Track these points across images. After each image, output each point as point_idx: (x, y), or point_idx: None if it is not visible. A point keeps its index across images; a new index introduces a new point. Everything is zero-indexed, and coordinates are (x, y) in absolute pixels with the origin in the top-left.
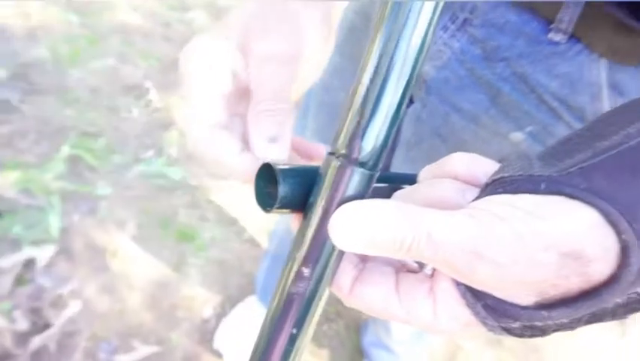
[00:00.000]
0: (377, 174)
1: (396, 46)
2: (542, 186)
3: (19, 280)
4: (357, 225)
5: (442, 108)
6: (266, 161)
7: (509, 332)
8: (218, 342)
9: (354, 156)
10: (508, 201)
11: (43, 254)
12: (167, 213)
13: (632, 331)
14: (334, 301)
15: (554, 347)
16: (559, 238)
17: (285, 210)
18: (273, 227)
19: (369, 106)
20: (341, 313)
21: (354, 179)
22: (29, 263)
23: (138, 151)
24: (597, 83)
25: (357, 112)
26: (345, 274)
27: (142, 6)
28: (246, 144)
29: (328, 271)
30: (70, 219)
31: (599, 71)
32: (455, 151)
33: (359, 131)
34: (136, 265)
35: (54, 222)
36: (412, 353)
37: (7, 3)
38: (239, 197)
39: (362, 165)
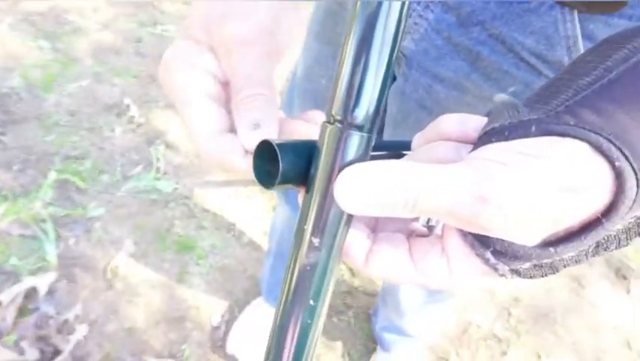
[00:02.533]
0: (374, 137)
1: (378, 9)
2: (533, 128)
3: (23, 311)
4: (362, 186)
5: (424, 80)
6: (260, 141)
7: (520, 274)
8: (231, 346)
9: (350, 120)
10: (502, 147)
11: (44, 282)
12: (163, 227)
13: (636, 287)
14: (341, 293)
15: (562, 310)
16: (555, 174)
17: (286, 186)
18: (271, 222)
19: (359, 69)
20: (349, 305)
21: (353, 142)
22: (31, 293)
23: (126, 168)
24: (573, 36)
25: (348, 77)
26: (359, 246)
27: (112, 23)
28: None
29: (338, 238)
30: (66, 243)
31: (573, 23)
32: None
33: (352, 95)
34: (138, 281)
35: (50, 249)
36: (423, 331)
37: None
38: (234, 202)
39: (358, 128)
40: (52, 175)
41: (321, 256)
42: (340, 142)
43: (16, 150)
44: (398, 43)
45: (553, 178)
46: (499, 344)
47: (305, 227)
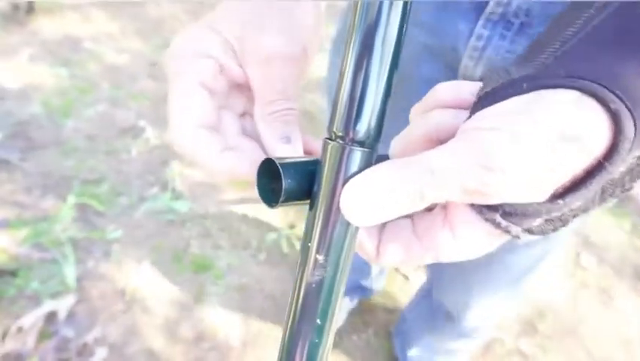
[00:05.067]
0: (376, 152)
1: (377, 22)
2: (524, 86)
3: (43, 335)
4: (366, 195)
5: None
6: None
7: (533, 232)
8: None
9: (351, 136)
10: (495, 111)
11: (63, 305)
12: (180, 247)
13: None
14: (361, 311)
15: (591, 323)
16: (551, 126)
17: (290, 203)
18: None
19: (359, 86)
20: (369, 322)
21: (354, 158)
22: (51, 316)
23: (142, 190)
24: None
25: (348, 93)
26: (370, 241)
27: (126, 48)
28: (234, 138)
29: (344, 254)
30: (85, 266)
31: None
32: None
33: (353, 111)
34: (156, 302)
35: (69, 273)
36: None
37: None
38: (250, 220)
39: (360, 143)
40: (71, 199)
41: (327, 273)
42: (342, 158)
43: (36, 176)
44: (398, 59)
45: (550, 130)
46: None
47: (309, 244)
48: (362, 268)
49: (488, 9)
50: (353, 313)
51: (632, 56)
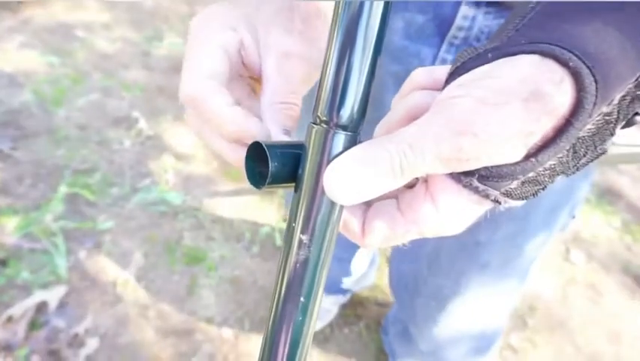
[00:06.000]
0: (359, 136)
1: (360, 8)
2: (489, 56)
3: (34, 325)
4: (348, 174)
5: None
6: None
7: (511, 196)
8: None
9: (335, 120)
10: (462, 80)
11: (54, 296)
12: (173, 238)
13: None
14: (352, 304)
15: (580, 319)
16: (513, 87)
17: (277, 186)
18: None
19: (343, 71)
20: (360, 315)
21: (338, 142)
22: (41, 306)
23: (135, 181)
24: None
25: (332, 78)
26: (354, 220)
27: (119, 38)
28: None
29: (328, 234)
30: (76, 257)
31: None
32: None
33: (336, 96)
34: (148, 293)
35: (60, 263)
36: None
37: None
38: (243, 212)
39: (343, 128)
40: (63, 189)
41: (311, 252)
42: (326, 142)
43: (27, 165)
44: (381, 44)
45: (514, 92)
46: (515, 355)
47: (294, 225)
48: (343, 265)
49: (450, 33)
50: (345, 307)
51: (589, 20)
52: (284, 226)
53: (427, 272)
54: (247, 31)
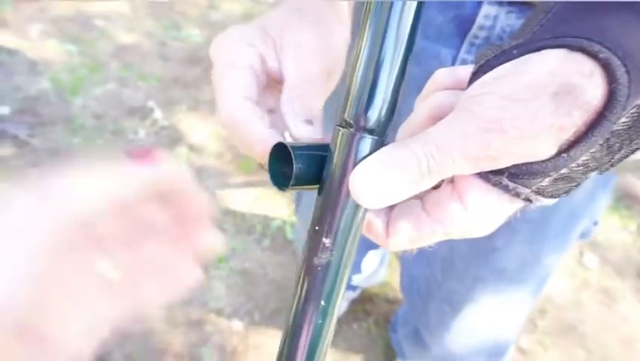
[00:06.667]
0: (385, 140)
1: (390, 10)
2: (514, 52)
3: None
4: (375, 177)
5: None
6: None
7: (543, 194)
8: None
9: (362, 124)
10: (486, 78)
11: None
12: None
13: None
14: (362, 300)
15: (592, 323)
16: (541, 81)
17: (300, 187)
18: (296, 221)
19: (371, 74)
20: (369, 311)
21: (364, 146)
22: None
23: None
24: None
25: (361, 81)
26: (378, 221)
27: (137, 28)
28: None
29: (350, 239)
30: None
31: None
32: None
33: (364, 100)
34: None
35: None
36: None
37: (5, 39)
38: (254, 204)
39: (370, 132)
40: None
41: (333, 256)
42: (352, 146)
43: (43, 152)
44: (413, 44)
45: (542, 86)
46: (524, 357)
47: (317, 228)
48: (354, 263)
49: (471, 33)
50: (354, 302)
51: (617, 11)
52: (295, 219)
53: (442, 277)
54: (263, 43)
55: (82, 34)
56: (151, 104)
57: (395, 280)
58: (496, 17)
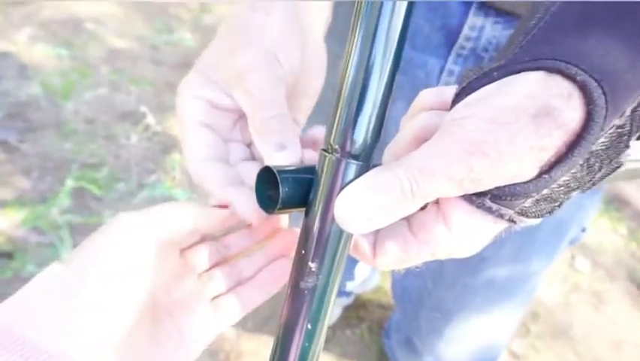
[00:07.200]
0: (371, 165)
1: (374, 37)
2: (495, 74)
3: None
4: (360, 202)
5: None
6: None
7: (526, 214)
8: None
9: (347, 149)
10: (468, 100)
11: None
12: None
13: None
14: (355, 306)
15: (582, 326)
16: (521, 104)
17: (287, 211)
18: None
19: (356, 100)
20: (362, 317)
21: (349, 171)
22: None
23: (141, 177)
24: None
25: (346, 107)
26: (365, 241)
27: (129, 31)
28: (241, 165)
29: (336, 263)
30: None
31: None
32: None
33: (349, 126)
34: None
35: (66, 257)
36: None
37: None
38: None
39: (355, 157)
40: (70, 183)
41: (319, 280)
42: (338, 171)
43: (34, 158)
44: (395, 74)
45: (522, 109)
46: None
47: (303, 252)
48: (347, 270)
49: (458, 44)
50: (348, 309)
51: (593, 32)
52: None
53: (432, 286)
54: (207, 87)
55: (72, 38)
56: (143, 109)
57: (388, 286)
58: (482, 28)
